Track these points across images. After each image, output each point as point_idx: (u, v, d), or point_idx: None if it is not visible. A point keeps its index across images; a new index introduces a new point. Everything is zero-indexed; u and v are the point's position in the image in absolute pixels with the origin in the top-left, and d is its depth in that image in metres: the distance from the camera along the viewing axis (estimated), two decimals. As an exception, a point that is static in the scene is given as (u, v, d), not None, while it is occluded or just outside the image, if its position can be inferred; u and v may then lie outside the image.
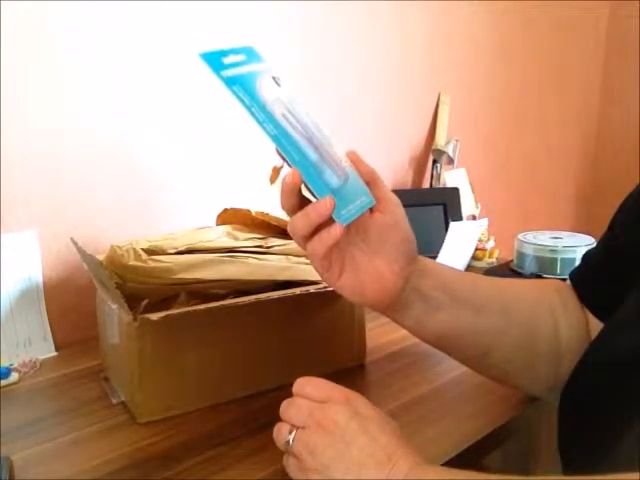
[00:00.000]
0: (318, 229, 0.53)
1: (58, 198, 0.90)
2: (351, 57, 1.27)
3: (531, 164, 1.85)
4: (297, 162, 0.51)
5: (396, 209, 0.56)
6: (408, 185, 1.45)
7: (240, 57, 0.53)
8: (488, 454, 0.66)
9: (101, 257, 0.75)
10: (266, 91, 0.52)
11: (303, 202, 0.54)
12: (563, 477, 0.46)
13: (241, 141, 1.08)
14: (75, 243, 0.72)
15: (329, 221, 0.52)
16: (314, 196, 0.53)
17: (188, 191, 1.04)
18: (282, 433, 0.52)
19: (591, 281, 0.65)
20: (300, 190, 0.53)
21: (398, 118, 1.40)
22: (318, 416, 0.50)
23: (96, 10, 0.90)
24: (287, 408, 0.53)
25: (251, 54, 0.54)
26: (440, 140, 1.44)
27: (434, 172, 1.42)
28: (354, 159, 0.55)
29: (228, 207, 0.86)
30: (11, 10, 0.82)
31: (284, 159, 0.52)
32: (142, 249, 0.73)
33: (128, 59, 0.95)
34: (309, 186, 0.52)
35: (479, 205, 1.42)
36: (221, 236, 0.79)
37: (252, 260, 0.74)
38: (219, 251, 0.74)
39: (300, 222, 0.53)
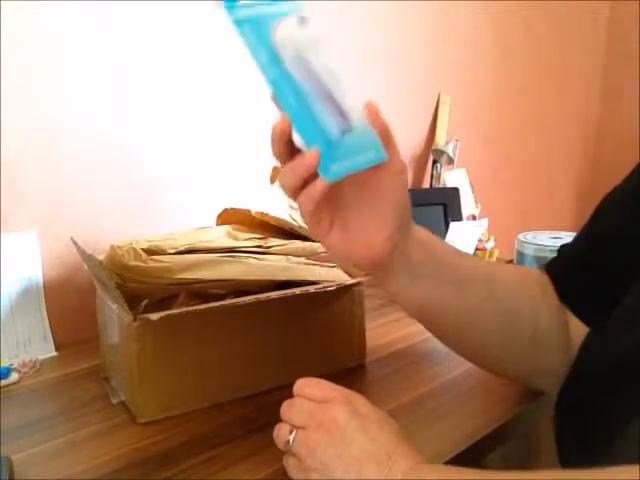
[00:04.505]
0: (308, 182, 0.51)
1: (58, 198, 0.90)
2: (351, 57, 1.27)
3: (531, 164, 1.85)
4: (293, 108, 0.49)
5: (397, 175, 0.55)
6: (408, 185, 1.45)
7: None
8: (488, 454, 0.66)
9: (101, 257, 0.75)
10: (282, 31, 0.50)
11: (294, 151, 0.52)
12: (563, 470, 0.46)
13: (241, 141, 1.08)
14: (75, 243, 0.72)
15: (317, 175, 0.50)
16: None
17: (188, 191, 1.04)
18: (282, 433, 0.52)
19: (571, 278, 0.65)
20: (290, 139, 0.51)
21: (398, 118, 1.39)
22: (318, 416, 0.50)
23: (96, 10, 0.90)
24: (287, 409, 0.53)
25: None
26: (440, 140, 1.44)
27: (434, 172, 1.42)
28: (370, 111, 0.52)
29: (228, 207, 0.86)
30: (12, 10, 0.82)
31: (278, 106, 0.50)
32: (142, 249, 0.73)
33: (128, 60, 0.94)
34: (299, 135, 0.50)
35: (479, 205, 1.42)
36: (221, 236, 0.79)
37: (252, 260, 0.74)
38: (219, 251, 0.74)
39: (287, 174, 0.51)
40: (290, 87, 0.49)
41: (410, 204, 0.57)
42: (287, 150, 0.51)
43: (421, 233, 0.60)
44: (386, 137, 0.53)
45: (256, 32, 0.49)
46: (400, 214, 0.56)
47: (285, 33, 0.50)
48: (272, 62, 0.49)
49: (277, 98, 0.50)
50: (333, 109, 0.51)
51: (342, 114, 0.51)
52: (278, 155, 0.52)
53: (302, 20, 0.51)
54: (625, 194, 0.62)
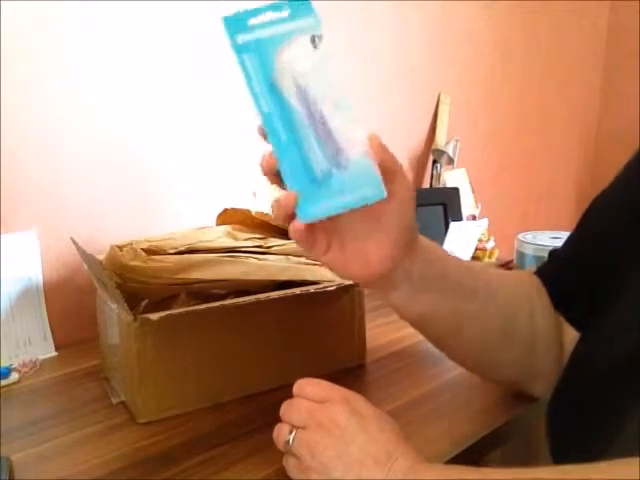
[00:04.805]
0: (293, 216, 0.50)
1: (58, 198, 0.90)
2: (351, 57, 1.27)
3: (531, 164, 1.85)
4: (281, 144, 0.48)
5: (403, 204, 0.53)
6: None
7: (281, 14, 0.48)
8: (487, 454, 0.66)
9: (101, 257, 0.75)
10: (289, 55, 0.48)
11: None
12: (561, 467, 0.46)
13: (241, 141, 1.08)
14: (75, 243, 0.72)
15: None
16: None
17: (188, 191, 1.04)
18: (282, 433, 0.52)
19: (562, 281, 0.65)
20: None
21: (398, 118, 1.40)
22: (318, 416, 0.50)
23: (96, 9, 0.90)
24: (287, 409, 0.53)
25: (300, 7, 0.48)
26: (440, 140, 1.44)
27: (434, 172, 1.42)
28: (372, 145, 0.49)
29: (228, 207, 0.86)
30: (11, 9, 0.82)
31: (264, 138, 0.49)
32: (142, 249, 0.73)
33: (129, 60, 0.95)
34: (281, 174, 0.49)
35: (479, 205, 1.42)
36: (221, 236, 0.79)
37: (252, 260, 0.74)
38: (219, 251, 0.74)
39: (274, 207, 0.51)
40: (282, 122, 0.48)
41: (415, 225, 0.55)
42: (279, 179, 0.51)
43: (424, 248, 0.58)
44: (392, 170, 0.51)
45: (259, 59, 0.47)
46: (403, 237, 0.54)
47: (291, 57, 0.48)
48: (269, 93, 0.48)
49: (266, 131, 0.48)
50: (327, 144, 0.49)
51: (338, 150, 0.49)
52: (272, 183, 0.52)
53: (315, 40, 0.48)
54: (614, 195, 0.62)
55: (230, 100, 1.07)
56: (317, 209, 0.49)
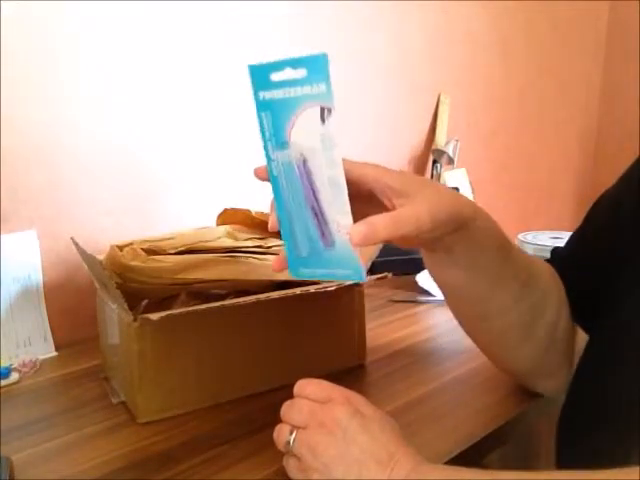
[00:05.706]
0: None
1: (58, 198, 0.90)
2: (351, 57, 1.27)
3: (531, 164, 1.85)
4: (281, 210, 0.52)
5: (427, 234, 0.51)
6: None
7: (299, 73, 0.46)
8: (488, 454, 0.66)
9: (101, 257, 0.75)
10: (298, 127, 0.48)
11: None
12: (563, 471, 0.46)
13: (241, 141, 1.08)
14: (75, 243, 0.72)
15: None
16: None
17: (188, 191, 1.04)
18: (283, 434, 0.52)
19: (566, 283, 0.65)
20: None
21: (398, 118, 1.40)
22: (319, 416, 0.50)
23: (97, 9, 0.90)
24: (288, 409, 0.53)
25: (315, 69, 0.46)
26: (440, 140, 1.44)
27: (434, 172, 1.43)
28: (352, 239, 0.49)
29: (228, 207, 0.86)
30: (12, 9, 0.82)
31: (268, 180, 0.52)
32: (142, 249, 0.73)
33: (129, 60, 0.95)
34: (279, 229, 0.53)
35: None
36: (221, 236, 0.79)
37: (252, 260, 0.74)
38: (219, 251, 0.74)
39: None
40: (288, 189, 0.51)
41: (457, 215, 0.53)
42: None
43: (473, 235, 0.55)
44: (395, 229, 0.49)
45: (274, 120, 0.49)
46: (439, 230, 0.53)
47: (301, 128, 0.48)
48: (280, 157, 0.50)
49: (272, 192, 0.52)
50: (320, 223, 0.51)
51: (327, 230, 0.51)
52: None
53: (324, 113, 0.47)
54: (618, 196, 0.62)
55: (230, 101, 1.07)
56: (304, 272, 0.54)
